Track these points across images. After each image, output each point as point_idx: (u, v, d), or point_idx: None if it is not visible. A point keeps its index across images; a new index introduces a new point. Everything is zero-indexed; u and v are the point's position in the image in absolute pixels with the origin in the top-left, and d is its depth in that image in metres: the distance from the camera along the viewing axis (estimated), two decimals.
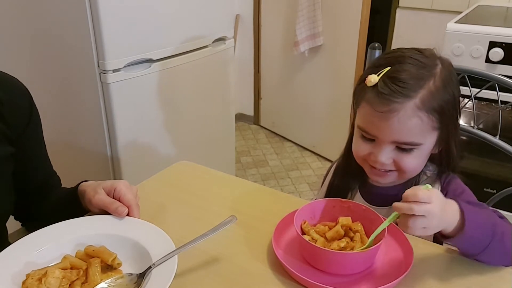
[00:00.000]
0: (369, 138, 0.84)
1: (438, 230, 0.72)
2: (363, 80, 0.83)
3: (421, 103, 0.78)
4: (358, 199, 0.96)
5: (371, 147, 0.84)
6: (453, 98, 0.83)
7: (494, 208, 0.83)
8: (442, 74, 0.81)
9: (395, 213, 0.70)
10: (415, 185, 0.88)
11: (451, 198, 0.74)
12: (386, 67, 0.80)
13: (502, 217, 0.80)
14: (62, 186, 1.03)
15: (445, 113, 0.81)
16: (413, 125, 0.78)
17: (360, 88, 0.84)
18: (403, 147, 0.81)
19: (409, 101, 0.77)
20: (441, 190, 0.88)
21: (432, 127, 0.81)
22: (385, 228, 0.73)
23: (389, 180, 0.87)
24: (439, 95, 0.79)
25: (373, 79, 0.79)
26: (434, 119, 0.80)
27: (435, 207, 0.67)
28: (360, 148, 0.86)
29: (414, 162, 0.83)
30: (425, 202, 0.67)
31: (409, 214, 0.67)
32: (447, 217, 0.71)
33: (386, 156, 0.82)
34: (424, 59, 0.81)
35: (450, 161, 0.90)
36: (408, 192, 0.68)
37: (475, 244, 0.74)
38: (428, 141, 0.82)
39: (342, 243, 0.76)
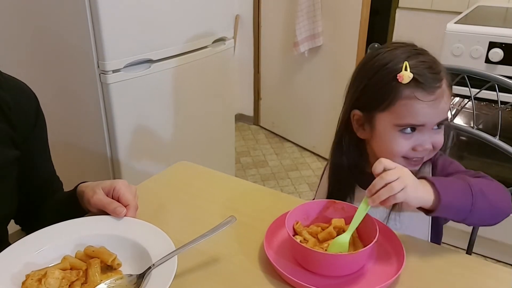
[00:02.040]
0: (412, 131, 0.86)
1: (417, 193, 0.74)
2: (386, 82, 0.84)
3: (447, 81, 0.86)
4: (359, 191, 0.97)
5: (413, 140, 0.87)
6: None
7: (484, 174, 0.87)
8: (434, 57, 0.88)
9: (364, 199, 0.74)
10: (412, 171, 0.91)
11: (440, 171, 0.83)
12: (399, 64, 0.83)
13: (491, 180, 0.85)
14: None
15: (451, 89, 0.89)
16: (449, 102, 0.87)
17: (390, 88, 0.84)
18: (439, 125, 0.87)
19: (444, 83, 0.85)
20: (432, 169, 0.93)
21: None
22: (377, 230, 0.73)
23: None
24: (447, 72, 0.87)
25: (408, 75, 0.82)
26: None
27: (402, 168, 0.73)
28: (402, 146, 0.87)
29: (442, 138, 0.89)
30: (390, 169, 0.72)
31: (384, 187, 0.72)
32: (419, 186, 0.75)
33: (429, 140, 0.86)
34: (415, 47, 0.88)
35: (446, 139, 0.96)
36: (375, 165, 0.74)
37: (459, 209, 0.77)
38: None
39: None
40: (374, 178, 0.95)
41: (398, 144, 0.87)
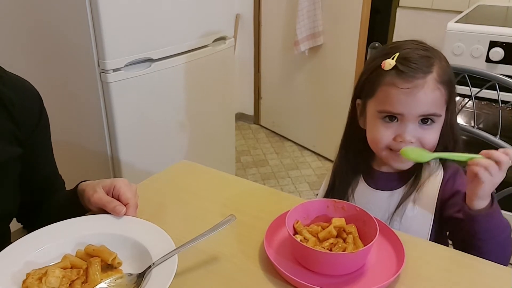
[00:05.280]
0: (391, 121, 0.87)
1: (486, 193, 0.79)
2: (375, 68, 0.87)
3: (438, 76, 0.85)
4: (362, 185, 0.97)
5: (394, 130, 0.87)
6: (454, 77, 0.90)
7: None
8: (441, 56, 0.89)
9: (472, 155, 0.78)
10: (417, 171, 0.92)
11: (451, 176, 0.88)
12: (394, 54, 0.85)
13: None
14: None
15: (452, 88, 0.88)
16: (436, 97, 0.85)
17: (375, 75, 0.87)
18: (426, 121, 0.86)
19: (429, 75, 0.84)
20: (443, 179, 0.92)
21: (445, 100, 0.87)
22: (377, 229, 0.73)
23: (411, 163, 0.90)
24: (447, 70, 0.87)
25: (390, 62, 0.85)
26: (446, 92, 0.86)
27: (501, 175, 0.76)
28: (383, 135, 0.88)
29: (434, 137, 0.88)
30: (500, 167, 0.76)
31: (485, 166, 0.76)
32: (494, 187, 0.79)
33: (412, 133, 0.86)
34: (422, 43, 0.89)
35: (455, 145, 0.93)
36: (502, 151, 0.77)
37: (492, 227, 0.80)
38: (443, 114, 0.88)
39: (334, 243, 0.76)
40: (378, 171, 0.97)
41: (379, 132, 0.88)
